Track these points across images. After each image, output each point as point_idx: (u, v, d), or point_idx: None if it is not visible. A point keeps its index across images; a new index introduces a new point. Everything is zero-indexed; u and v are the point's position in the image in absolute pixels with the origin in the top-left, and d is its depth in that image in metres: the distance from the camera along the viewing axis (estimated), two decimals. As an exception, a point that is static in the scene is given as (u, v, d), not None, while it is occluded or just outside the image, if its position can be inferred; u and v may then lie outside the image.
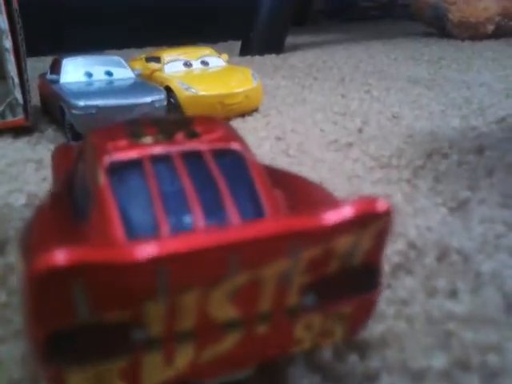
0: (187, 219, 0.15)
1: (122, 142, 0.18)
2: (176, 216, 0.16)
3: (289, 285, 0.13)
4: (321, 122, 0.43)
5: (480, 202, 0.27)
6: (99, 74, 0.44)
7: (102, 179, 0.16)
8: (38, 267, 0.11)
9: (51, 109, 0.45)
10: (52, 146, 0.39)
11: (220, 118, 0.23)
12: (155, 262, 0.12)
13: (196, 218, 0.16)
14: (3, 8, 0.42)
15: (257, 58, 0.84)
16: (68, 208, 0.18)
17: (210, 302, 0.13)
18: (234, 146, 0.19)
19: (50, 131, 0.43)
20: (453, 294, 0.19)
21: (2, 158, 0.37)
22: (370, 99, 0.50)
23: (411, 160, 0.33)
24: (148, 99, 0.40)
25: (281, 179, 0.19)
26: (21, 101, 0.43)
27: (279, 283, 0.13)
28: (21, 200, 0.29)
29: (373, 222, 0.13)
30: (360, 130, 0.41)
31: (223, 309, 0.13)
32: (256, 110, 0.48)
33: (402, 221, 0.25)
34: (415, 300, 0.18)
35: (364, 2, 1.65)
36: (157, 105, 0.41)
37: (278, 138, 0.40)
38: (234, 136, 0.20)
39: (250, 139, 0.39)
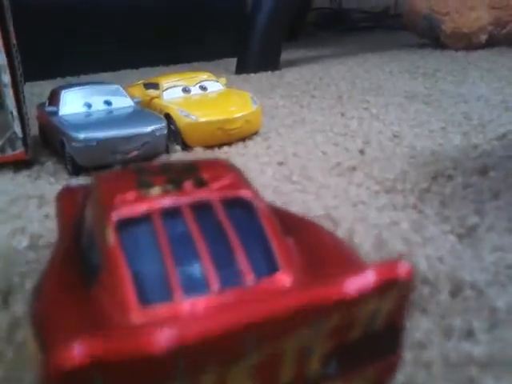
0: (201, 279, 0.15)
1: (130, 195, 0.18)
2: (189, 276, 0.16)
3: (310, 354, 0.13)
4: (322, 144, 0.43)
5: (489, 229, 0.27)
6: (98, 104, 0.44)
7: (112, 238, 0.16)
8: (57, 365, 0.10)
9: (51, 140, 0.45)
10: (53, 180, 0.39)
11: (223, 160, 0.23)
12: (174, 352, 0.11)
13: (209, 277, 0.15)
14: (1, 43, 0.42)
15: (253, 76, 0.84)
16: (77, 264, 0.18)
17: (229, 380, 0.12)
18: (244, 193, 0.18)
19: (50, 164, 0.42)
20: (469, 334, 0.18)
21: (2, 195, 0.36)
22: (369, 117, 0.50)
23: (416, 183, 0.33)
24: (148, 129, 0.40)
25: (292, 225, 0.19)
26: (20, 135, 0.43)
27: (300, 354, 0.13)
28: (24, 242, 0.28)
29: (395, 287, 0.13)
30: (362, 152, 0.40)
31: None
32: (256, 133, 0.47)
33: (411, 252, 0.25)
34: (432, 343, 0.18)
35: (356, 13, 1.66)
36: (157, 133, 0.41)
37: (281, 163, 0.39)
38: (243, 182, 0.19)
39: (253, 166, 0.39)
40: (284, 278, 0.16)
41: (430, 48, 0.99)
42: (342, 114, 0.52)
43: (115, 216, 0.17)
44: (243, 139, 0.46)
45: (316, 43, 1.25)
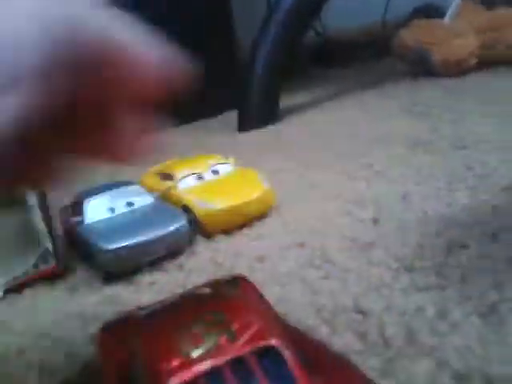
0: None
1: (176, 362, 0.20)
2: None
3: None
4: (335, 216, 0.45)
5: (510, 309, 0.28)
6: (121, 207, 0.46)
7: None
8: None
9: (77, 246, 0.47)
10: (89, 290, 0.41)
11: (250, 288, 0.25)
12: None
13: None
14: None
15: (254, 134, 0.86)
16: None
17: None
18: (273, 342, 0.21)
19: (83, 271, 0.45)
20: None
21: (43, 314, 0.38)
22: (374, 176, 0.52)
23: (432, 257, 0.35)
24: (172, 227, 0.43)
25: (319, 361, 0.21)
26: (51, 250, 0.45)
27: None
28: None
29: None
30: (375, 221, 0.42)
31: None
32: (270, 209, 0.49)
33: (441, 343, 0.26)
34: None
35: (341, 44, 1.70)
36: (181, 230, 0.43)
37: (301, 245, 0.41)
38: (271, 326, 0.22)
39: (275, 252, 0.41)
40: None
41: (423, 78, 1.01)
42: (349, 176, 0.54)
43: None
44: (259, 218, 0.48)
45: (309, 82, 1.28)
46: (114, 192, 0.48)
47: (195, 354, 0.20)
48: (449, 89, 0.87)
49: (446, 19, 1.06)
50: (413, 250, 0.36)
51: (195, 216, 0.47)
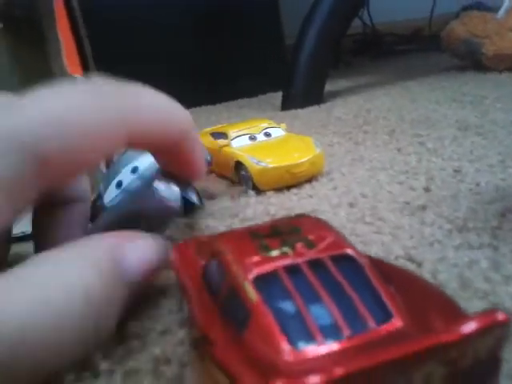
0: (333, 326, 0.18)
1: (256, 258, 0.21)
2: (323, 323, 0.19)
3: (432, 380, 0.16)
4: (386, 184, 0.46)
5: None
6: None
7: (254, 294, 0.20)
8: None
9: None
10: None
11: (318, 219, 0.26)
12: (343, 379, 0.15)
13: (341, 324, 0.19)
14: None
15: (300, 112, 0.88)
16: (217, 312, 0.22)
17: None
18: (348, 251, 0.22)
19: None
20: None
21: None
22: (426, 152, 0.53)
23: (486, 221, 0.36)
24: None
25: (391, 275, 0.22)
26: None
27: (424, 380, 0.16)
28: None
29: (495, 329, 0.16)
30: (427, 190, 0.43)
31: None
32: (320, 174, 0.51)
33: (494, 290, 0.27)
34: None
35: (389, 36, 1.69)
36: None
37: (351, 205, 0.42)
38: (343, 240, 0.23)
39: (325, 208, 0.42)
40: (398, 323, 0.19)
41: (471, 71, 1.01)
42: (399, 150, 0.55)
43: (251, 275, 0.20)
44: (309, 180, 0.49)
45: (354, 71, 1.29)
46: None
47: (274, 254, 0.21)
48: (500, 82, 0.87)
49: (499, 16, 1.05)
50: (466, 213, 0.37)
51: (248, 172, 0.49)
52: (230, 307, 0.21)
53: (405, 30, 1.67)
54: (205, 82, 1.13)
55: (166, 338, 0.27)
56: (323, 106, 0.90)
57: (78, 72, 0.46)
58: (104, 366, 0.25)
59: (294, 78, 0.94)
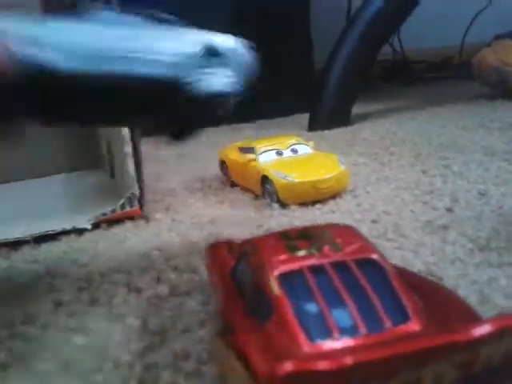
0: (351, 324, 0.19)
1: (283, 256, 0.22)
2: (341, 320, 0.20)
3: (442, 381, 0.17)
4: (410, 203, 0.46)
5: None
6: None
7: (277, 289, 0.21)
8: (279, 373, 0.15)
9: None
10: (168, 235, 0.45)
11: (350, 226, 0.27)
12: (353, 369, 0.15)
13: (358, 322, 0.19)
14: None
15: (327, 133, 0.88)
16: (242, 305, 0.22)
17: None
18: (373, 256, 0.23)
19: (163, 218, 0.48)
20: None
21: (130, 252, 0.42)
22: (451, 175, 0.53)
23: (508, 241, 0.36)
24: None
25: (415, 283, 0.23)
26: (137, 194, 0.50)
27: (435, 380, 0.17)
28: (165, 290, 0.33)
29: (509, 333, 0.17)
30: (450, 210, 0.43)
31: None
32: (345, 191, 0.51)
33: (514, 307, 0.27)
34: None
35: (418, 63, 1.70)
36: None
37: (374, 221, 0.43)
38: (370, 246, 0.23)
39: (348, 223, 0.43)
40: (415, 326, 0.20)
41: (500, 100, 1.00)
42: (424, 172, 0.56)
43: (276, 272, 0.21)
44: (333, 197, 0.50)
45: (382, 96, 1.29)
46: None
47: (301, 254, 0.22)
48: (529, 111, 0.86)
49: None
50: (488, 234, 0.37)
51: (273, 186, 0.50)
52: (254, 302, 0.21)
53: (435, 57, 1.67)
54: (240, 102, 1.16)
55: (186, 335, 0.28)
56: (350, 128, 0.91)
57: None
58: (125, 358, 0.26)
59: (322, 100, 0.95)
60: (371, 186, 0.53)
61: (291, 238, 0.24)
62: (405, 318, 0.20)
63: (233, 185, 0.59)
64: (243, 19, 1.15)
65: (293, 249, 0.23)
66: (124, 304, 0.32)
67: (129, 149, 0.49)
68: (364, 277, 0.21)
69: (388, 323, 0.19)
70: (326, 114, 0.97)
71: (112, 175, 0.67)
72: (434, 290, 0.22)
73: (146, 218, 0.50)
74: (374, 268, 0.22)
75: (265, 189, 0.52)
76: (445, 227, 0.40)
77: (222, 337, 0.21)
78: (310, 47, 1.24)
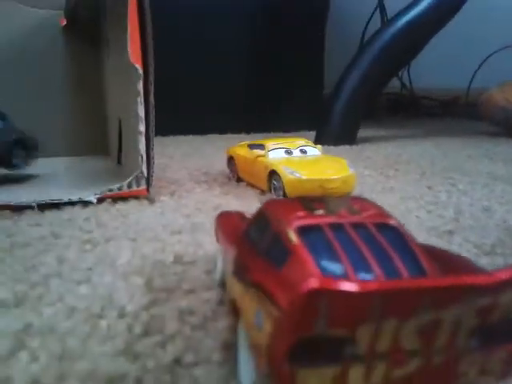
0: (368, 268, 0.19)
1: (301, 213, 0.22)
2: (358, 265, 0.20)
3: (460, 326, 0.17)
4: (415, 210, 0.47)
5: None
6: None
7: (295, 238, 0.21)
8: (305, 289, 0.15)
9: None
10: (173, 215, 0.45)
11: (366, 198, 0.27)
12: (376, 295, 0.15)
13: (375, 268, 0.19)
14: (142, 100, 0.49)
15: (333, 148, 0.89)
16: (257, 255, 0.22)
17: (402, 332, 0.16)
18: (392, 221, 0.23)
19: (170, 202, 0.48)
20: None
21: (138, 224, 0.42)
22: (456, 192, 0.54)
23: (513, 249, 0.36)
24: None
25: (428, 249, 0.23)
26: (145, 174, 0.50)
27: (454, 324, 0.17)
28: (170, 258, 0.33)
29: None
30: (456, 220, 0.44)
31: (411, 339, 0.16)
32: (349, 194, 0.52)
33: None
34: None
35: (425, 100, 1.73)
36: None
37: (379, 222, 0.43)
38: (389, 214, 0.24)
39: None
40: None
41: (503, 137, 1.02)
42: (429, 188, 0.56)
43: (295, 224, 0.21)
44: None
45: (386, 125, 1.31)
46: None
47: (318, 212, 0.22)
48: (532, 148, 0.88)
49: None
50: (493, 241, 0.38)
51: (281, 181, 0.50)
52: (271, 251, 0.21)
53: (441, 96, 1.71)
54: (248, 114, 1.18)
55: (191, 296, 0.28)
56: (355, 148, 0.92)
57: (138, 62, 0.48)
58: (129, 308, 0.26)
59: (329, 120, 0.97)
60: (377, 193, 0.53)
61: (308, 201, 0.24)
62: (422, 273, 0.20)
63: (239, 180, 0.59)
64: (258, 34, 1.18)
65: (310, 208, 0.23)
66: (128, 265, 0.32)
67: (142, 127, 0.49)
68: (383, 237, 0.21)
69: (405, 274, 0.19)
70: (333, 133, 0.98)
71: (119, 161, 0.68)
72: (448, 255, 0.23)
73: (151, 200, 0.50)
74: (392, 231, 0.22)
75: (271, 184, 0.52)
76: (450, 232, 0.40)
77: (237, 275, 0.20)
78: (322, 70, 1.27)
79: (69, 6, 0.72)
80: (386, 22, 1.07)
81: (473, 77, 1.67)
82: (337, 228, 0.21)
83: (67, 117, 0.78)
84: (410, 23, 0.94)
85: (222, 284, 0.28)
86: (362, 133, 1.01)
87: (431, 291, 0.15)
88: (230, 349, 0.22)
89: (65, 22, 0.75)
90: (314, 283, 0.15)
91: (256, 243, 0.24)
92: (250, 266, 0.21)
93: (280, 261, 0.20)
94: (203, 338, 0.23)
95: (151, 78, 0.50)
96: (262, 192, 0.54)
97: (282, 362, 0.15)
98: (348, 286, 0.15)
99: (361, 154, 0.82)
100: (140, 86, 0.49)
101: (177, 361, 0.22)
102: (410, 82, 1.71)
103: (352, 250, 0.20)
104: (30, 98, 0.75)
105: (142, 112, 0.49)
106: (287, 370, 0.15)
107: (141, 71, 0.48)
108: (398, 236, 0.22)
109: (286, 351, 0.15)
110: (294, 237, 0.20)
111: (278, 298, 0.17)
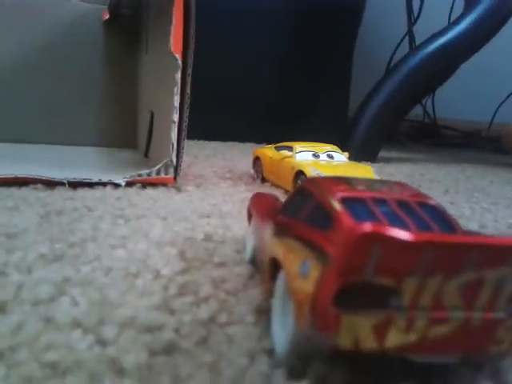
0: (405, 227, 0.20)
1: (345, 187, 0.23)
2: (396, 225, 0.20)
3: (501, 290, 0.17)
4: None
5: None
6: None
7: (339, 206, 0.21)
8: (359, 232, 0.15)
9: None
10: (200, 203, 0.45)
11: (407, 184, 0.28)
12: (427, 245, 0.16)
13: (412, 229, 0.20)
14: (179, 90, 0.51)
15: (355, 163, 0.90)
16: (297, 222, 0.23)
17: (445, 289, 0.16)
18: (431, 201, 0.23)
19: (197, 191, 0.49)
20: None
21: (166, 208, 0.43)
22: (480, 209, 0.54)
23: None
24: None
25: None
26: (174, 163, 0.51)
27: (495, 287, 0.17)
28: (201, 235, 0.34)
29: None
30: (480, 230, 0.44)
31: (452, 296, 0.17)
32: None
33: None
34: None
35: (447, 130, 1.73)
36: None
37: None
38: (426, 196, 0.24)
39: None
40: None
41: (526, 169, 1.02)
42: (452, 203, 0.56)
43: (339, 195, 0.22)
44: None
45: (409, 149, 1.32)
46: None
47: (361, 188, 0.23)
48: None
49: None
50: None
51: (308, 181, 0.51)
52: (313, 218, 0.22)
53: (463, 127, 1.71)
54: (271, 125, 1.20)
55: (222, 269, 0.28)
56: (376, 165, 0.92)
57: (178, 53, 0.50)
58: (164, 272, 0.27)
59: (352, 134, 0.98)
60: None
61: (351, 179, 0.25)
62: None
63: (263, 181, 0.60)
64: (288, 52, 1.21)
65: (353, 185, 0.23)
66: (161, 237, 0.33)
67: (176, 117, 0.50)
68: (424, 212, 0.22)
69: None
70: (355, 149, 0.99)
71: (146, 154, 0.69)
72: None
73: (178, 189, 0.51)
74: (433, 210, 0.22)
75: (297, 184, 0.53)
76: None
77: (279, 234, 0.21)
78: (348, 85, 1.28)
79: (112, 2, 0.75)
80: (415, 48, 1.08)
81: (496, 110, 1.68)
82: (380, 202, 0.22)
83: (100, 108, 0.80)
84: (440, 48, 0.95)
85: (253, 262, 0.29)
86: (384, 153, 1.01)
87: (479, 248, 0.16)
88: (262, 313, 0.23)
89: (107, 16, 0.78)
90: (368, 227, 0.15)
91: (295, 214, 0.24)
92: (293, 226, 0.21)
93: (323, 225, 0.21)
94: (236, 303, 0.24)
95: (189, 70, 0.51)
96: (287, 192, 0.55)
97: (327, 306, 0.16)
98: (402, 235, 0.15)
99: (383, 170, 0.82)
100: (178, 76, 0.50)
101: (211, 319, 0.22)
102: (434, 111, 1.72)
103: (395, 220, 0.21)
104: (67, 89, 0.77)
105: (177, 102, 0.51)
106: (333, 314, 0.16)
107: (180, 62, 0.50)
108: (437, 213, 0.22)
109: (333, 295, 0.16)
110: (337, 205, 0.21)
111: (328, 248, 0.17)
